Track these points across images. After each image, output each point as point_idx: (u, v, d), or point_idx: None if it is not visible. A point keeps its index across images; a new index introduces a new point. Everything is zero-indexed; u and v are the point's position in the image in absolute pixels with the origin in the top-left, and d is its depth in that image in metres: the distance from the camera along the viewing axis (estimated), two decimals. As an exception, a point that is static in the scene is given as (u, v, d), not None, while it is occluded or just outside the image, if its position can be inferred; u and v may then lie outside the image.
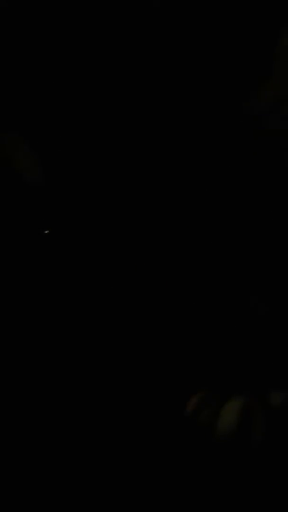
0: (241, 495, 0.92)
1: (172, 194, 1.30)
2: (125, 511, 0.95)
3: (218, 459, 0.94)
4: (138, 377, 1.07)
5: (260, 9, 1.25)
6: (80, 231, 1.27)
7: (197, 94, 1.28)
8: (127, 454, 0.99)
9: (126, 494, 0.96)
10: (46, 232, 1.26)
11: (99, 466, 0.99)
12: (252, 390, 0.97)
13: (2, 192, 1.28)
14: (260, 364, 1.02)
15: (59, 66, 1.31)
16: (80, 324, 1.15)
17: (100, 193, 1.30)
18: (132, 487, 0.96)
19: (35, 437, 1.05)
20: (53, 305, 1.20)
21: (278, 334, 1.05)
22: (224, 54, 1.26)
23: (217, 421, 0.94)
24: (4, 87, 1.31)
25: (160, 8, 1.29)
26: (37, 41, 1.30)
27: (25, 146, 1.30)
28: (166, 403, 1.02)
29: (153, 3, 1.29)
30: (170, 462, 0.97)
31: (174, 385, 1.04)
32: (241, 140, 1.26)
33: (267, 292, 1.11)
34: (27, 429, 1.05)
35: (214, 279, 1.14)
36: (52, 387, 1.08)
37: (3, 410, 1.08)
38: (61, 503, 0.99)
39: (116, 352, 1.09)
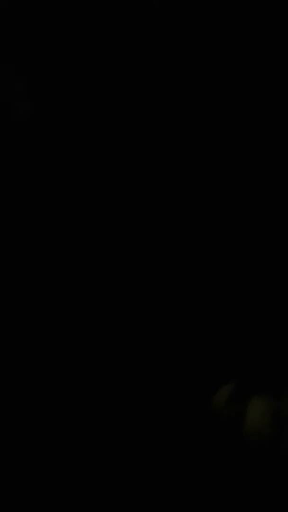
0: (264, 494, 0.92)
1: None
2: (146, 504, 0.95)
3: (244, 457, 0.93)
4: (162, 368, 1.07)
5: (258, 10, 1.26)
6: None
7: (197, 93, 1.30)
8: (148, 447, 0.99)
9: (145, 489, 0.96)
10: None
11: (119, 453, 0.99)
12: (278, 387, 0.97)
13: None
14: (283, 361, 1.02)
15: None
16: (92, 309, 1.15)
17: (90, 132, 1.29)
18: (153, 481, 0.97)
19: (39, 434, 1.05)
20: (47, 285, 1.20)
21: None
22: (224, 53, 1.28)
23: (244, 419, 0.94)
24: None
25: (160, 8, 1.29)
26: (37, 41, 1.30)
27: (17, 77, 1.28)
28: (191, 396, 1.03)
29: (153, 3, 1.30)
30: (193, 455, 0.98)
31: (199, 377, 1.05)
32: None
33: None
34: (27, 429, 1.05)
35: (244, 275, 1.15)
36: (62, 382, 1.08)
37: (3, 410, 1.07)
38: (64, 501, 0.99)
39: (140, 341, 1.09)
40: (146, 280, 1.18)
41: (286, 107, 1.27)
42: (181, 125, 1.31)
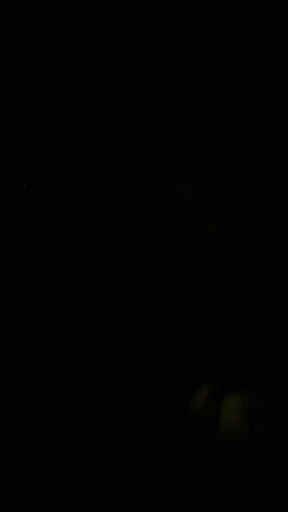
0: (242, 493, 0.92)
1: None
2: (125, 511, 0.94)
3: (221, 456, 0.92)
4: (139, 372, 1.06)
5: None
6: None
7: (196, 92, 1.29)
8: (128, 452, 0.98)
9: (126, 493, 0.95)
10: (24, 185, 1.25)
11: (99, 463, 0.99)
12: (251, 385, 0.96)
13: None
14: (257, 360, 1.02)
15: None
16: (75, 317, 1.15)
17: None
18: (133, 486, 0.95)
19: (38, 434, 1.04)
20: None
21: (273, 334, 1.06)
22: (223, 54, 1.28)
23: (220, 418, 0.93)
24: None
25: (160, 8, 1.30)
26: (37, 40, 1.30)
27: None
28: (168, 399, 1.02)
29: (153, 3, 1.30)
30: (171, 458, 0.96)
31: (175, 380, 1.04)
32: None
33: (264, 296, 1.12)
34: (28, 428, 1.04)
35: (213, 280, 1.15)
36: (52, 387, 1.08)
37: (3, 410, 1.07)
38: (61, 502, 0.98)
39: (116, 349, 1.09)
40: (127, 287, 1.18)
41: (285, 106, 1.27)
42: (180, 124, 1.31)
